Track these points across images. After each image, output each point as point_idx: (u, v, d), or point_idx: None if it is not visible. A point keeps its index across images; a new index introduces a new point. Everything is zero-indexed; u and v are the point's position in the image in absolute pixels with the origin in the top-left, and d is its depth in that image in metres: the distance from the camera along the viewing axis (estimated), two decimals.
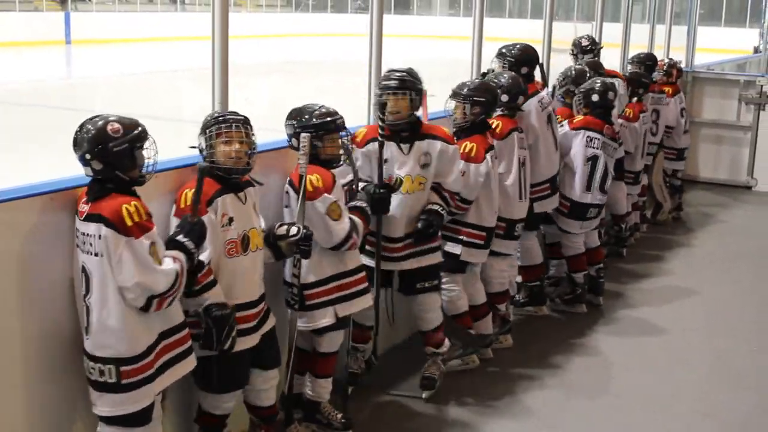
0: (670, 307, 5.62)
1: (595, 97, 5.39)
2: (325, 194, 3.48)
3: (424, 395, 4.15)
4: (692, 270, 6.44)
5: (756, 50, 17.69)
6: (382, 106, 3.90)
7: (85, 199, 2.85)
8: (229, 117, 3.21)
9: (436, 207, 4.05)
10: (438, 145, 4.01)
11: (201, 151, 3.21)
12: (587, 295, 5.52)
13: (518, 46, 5.10)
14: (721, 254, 6.91)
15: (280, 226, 3.40)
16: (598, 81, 5.49)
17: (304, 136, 3.41)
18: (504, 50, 5.08)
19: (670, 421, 4.09)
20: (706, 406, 4.25)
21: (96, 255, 2.79)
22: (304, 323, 3.60)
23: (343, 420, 3.79)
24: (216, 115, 3.24)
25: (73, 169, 3.14)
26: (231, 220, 3.18)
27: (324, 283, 3.60)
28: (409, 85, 3.94)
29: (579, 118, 5.37)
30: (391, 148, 3.97)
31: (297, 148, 3.47)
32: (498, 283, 4.72)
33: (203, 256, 3.06)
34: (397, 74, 3.97)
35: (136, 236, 2.79)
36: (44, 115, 12.14)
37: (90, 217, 2.80)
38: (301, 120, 3.53)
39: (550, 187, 5.11)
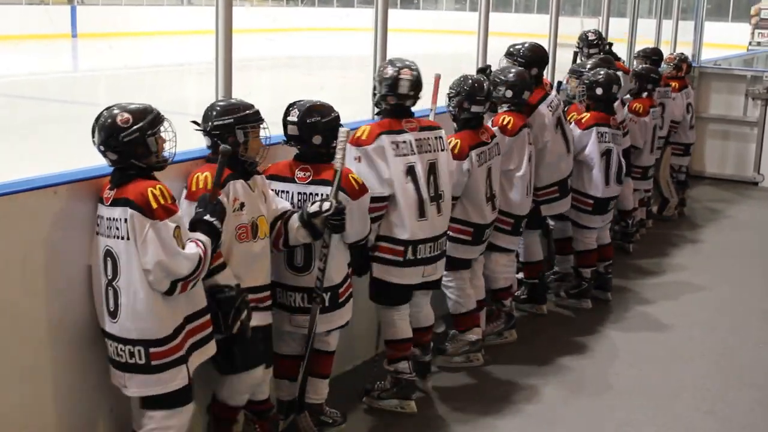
0: (675, 303, 5.61)
1: (599, 91, 5.38)
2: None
3: (363, 399, 4.03)
4: (698, 265, 6.42)
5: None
6: None
7: (109, 186, 2.91)
8: (257, 110, 3.25)
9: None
10: None
11: (218, 139, 3.18)
12: (594, 291, 5.51)
13: (527, 45, 5.05)
14: (727, 250, 6.89)
15: (313, 203, 3.39)
16: (602, 73, 5.47)
17: (342, 131, 3.41)
18: (513, 50, 5.05)
19: (672, 418, 4.08)
20: (709, 403, 4.24)
21: (123, 238, 2.84)
22: (333, 324, 3.59)
23: (339, 414, 3.78)
24: (248, 109, 3.23)
25: (78, 162, 3.16)
26: (242, 205, 3.21)
27: (347, 279, 3.62)
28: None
29: (585, 116, 5.34)
30: None
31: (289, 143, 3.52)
32: (502, 279, 4.71)
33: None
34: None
35: (161, 218, 2.84)
36: (50, 108, 12.16)
37: (116, 202, 2.86)
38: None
39: (559, 190, 5.08)
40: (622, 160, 5.48)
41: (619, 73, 6.45)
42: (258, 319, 3.30)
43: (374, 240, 3.84)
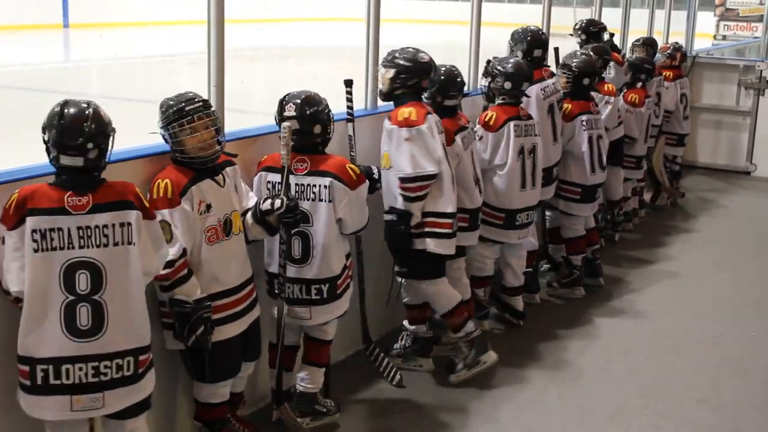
0: (668, 292, 5.63)
1: (586, 81, 5.42)
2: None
3: (450, 378, 4.18)
4: (691, 255, 6.44)
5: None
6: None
7: (73, 193, 2.67)
8: (189, 108, 3.08)
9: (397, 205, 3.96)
10: (385, 122, 4.00)
11: (166, 140, 3.13)
12: (586, 279, 5.53)
13: (529, 29, 5.16)
14: (720, 239, 6.91)
15: (265, 200, 3.34)
16: (586, 62, 5.48)
17: (285, 126, 3.38)
18: (516, 34, 5.15)
19: (664, 407, 4.10)
20: (701, 391, 4.26)
21: (118, 244, 2.70)
22: (331, 314, 3.63)
23: (333, 404, 3.80)
24: (175, 106, 3.09)
25: None
26: (209, 206, 3.13)
27: (345, 270, 3.64)
28: (387, 60, 4.01)
29: (567, 107, 5.34)
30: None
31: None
32: (477, 267, 4.71)
33: (173, 251, 3.00)
34: (391, 50, 4.05)
35: (153, 217, 2.83)
36: (42, 98, 12.10)
37: (100, 208, 2.69)
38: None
39: (544, 177, 5.03)
40: (603, 145, 5.49)
41: (612, 64, 6.49)
42: (234, 328, 3.25)
43: (422, 216, 3.96)
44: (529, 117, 4.70)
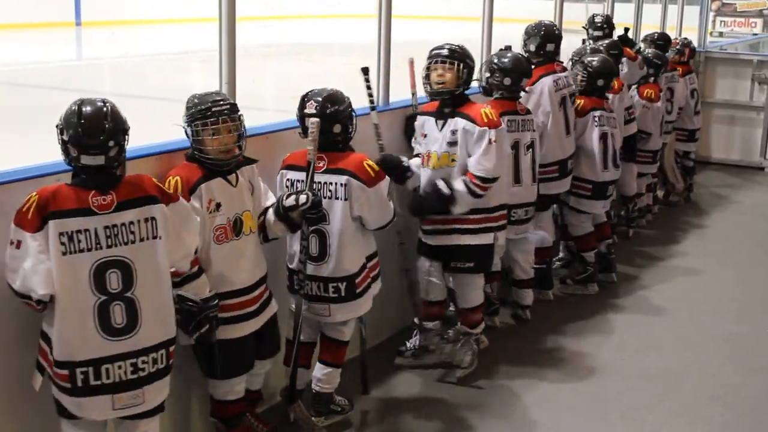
0: (680, 289, 5.61)
1: (600, 82, 5.39)
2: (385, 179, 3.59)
3: (458, 373, 4.18)
4: (704, 251, 6.41)
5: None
6: (426, 77, 4.05)
7: (97, 193, 2.65)
8: (215, 110, 3.06)
9: (441, 183, 3.95)
10: (462, 123, 3.99)
11: (187, 135, 3.14)
12: (599, 275, 5.51)
13: (542, 24, 5.20)
14: (733, 235, 6.88)
15: (288, 196, 3.30)
16: (602, 63, 5.45)
17: (313, 122, 3.37)
18: (529, 29, 5.19)
19: (676, 403, 4.09)
20: (713, 388, 4.24)
21: (144, 239, 2.70)
22: (350, 313, 3.62)
23: (347, 402, 3.80)
24: (201, 105, 3.08)
25: None
26: (219, 205, 3.12)
27: (364, 269, 3.61)
28: (457, 57, 4.01)
29: (579, 103, 5.31)
30: (429, 124, 4.09)
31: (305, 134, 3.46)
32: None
33: None
34: (448, 45, 4.08)
35: (176, 199, 2.86)
36: (55, 96, 12.14)
37: (126, 205, 2.67)
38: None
39: (558, 170, 5.05)
40: (617, 143, 5.46)
41: (624, 60, 6.45)
42: (246, 328, 3.25)
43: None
44: (527, 112, 4.64)
